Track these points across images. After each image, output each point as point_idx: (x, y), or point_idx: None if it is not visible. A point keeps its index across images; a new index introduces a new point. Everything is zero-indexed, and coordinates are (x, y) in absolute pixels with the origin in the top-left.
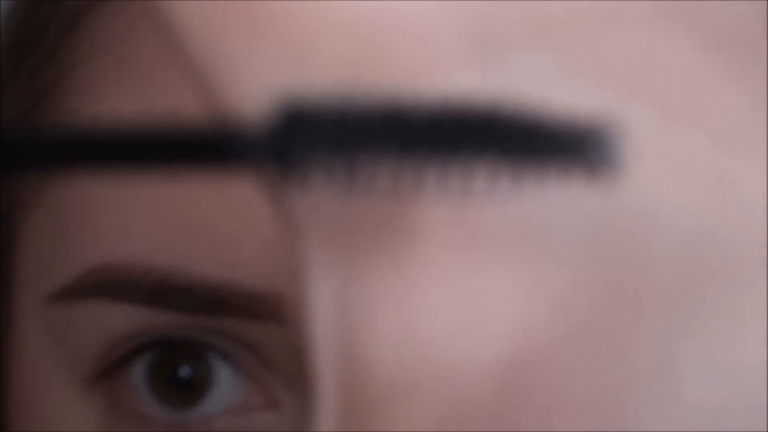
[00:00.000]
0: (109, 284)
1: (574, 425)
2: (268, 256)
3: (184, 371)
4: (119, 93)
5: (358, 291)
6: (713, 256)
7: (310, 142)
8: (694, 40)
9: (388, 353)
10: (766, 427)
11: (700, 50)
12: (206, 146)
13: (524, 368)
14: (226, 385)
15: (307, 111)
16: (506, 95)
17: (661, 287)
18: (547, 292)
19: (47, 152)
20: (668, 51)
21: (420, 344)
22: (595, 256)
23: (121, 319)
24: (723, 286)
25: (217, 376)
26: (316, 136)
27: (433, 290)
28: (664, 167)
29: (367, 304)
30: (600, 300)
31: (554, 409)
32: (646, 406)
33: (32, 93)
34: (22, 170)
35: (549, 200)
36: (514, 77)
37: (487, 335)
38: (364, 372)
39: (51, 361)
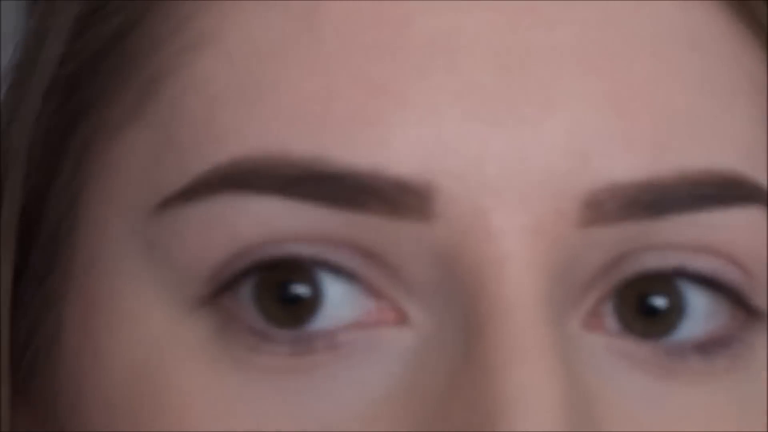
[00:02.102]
0: (239, 177)
1: None
2: (419, 144)
3: (294, 289)
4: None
5: None
6: None
7: None
8: None
9: None
10: None
11: None
12: None
13: None
14: (338, 304)
15: None
16: None
17: None
18: None
19: None
20: None
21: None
22: None
23: (247, 217)
24: None
25: (327, 296)
26: None
27: None
28: None
29: None
30: None
31: None
32: None
33: None
34: None
35: None
36: None
37: None
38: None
39: (151, 283)
